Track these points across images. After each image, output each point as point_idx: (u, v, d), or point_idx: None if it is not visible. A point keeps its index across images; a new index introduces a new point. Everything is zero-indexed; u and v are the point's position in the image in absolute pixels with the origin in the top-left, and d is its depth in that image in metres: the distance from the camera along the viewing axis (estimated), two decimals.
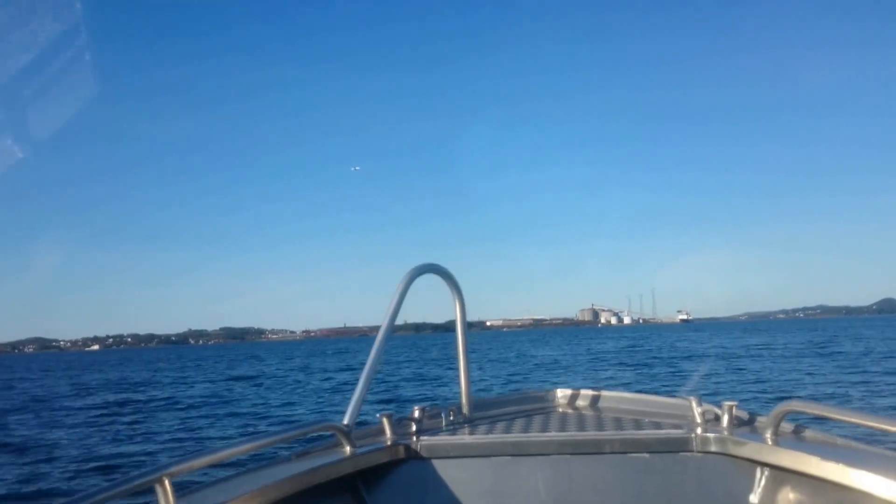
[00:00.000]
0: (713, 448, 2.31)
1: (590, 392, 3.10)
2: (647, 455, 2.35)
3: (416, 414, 2.63)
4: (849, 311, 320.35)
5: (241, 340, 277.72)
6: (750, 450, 2.21)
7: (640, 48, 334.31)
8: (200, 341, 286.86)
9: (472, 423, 2.75)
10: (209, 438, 12.84)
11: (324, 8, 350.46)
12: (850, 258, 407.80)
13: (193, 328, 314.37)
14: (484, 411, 2.92)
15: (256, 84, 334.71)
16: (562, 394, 3.16)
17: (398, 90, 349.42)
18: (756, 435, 2.28)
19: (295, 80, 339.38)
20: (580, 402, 3.08)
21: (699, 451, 2.33)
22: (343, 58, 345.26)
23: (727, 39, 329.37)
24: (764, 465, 2.20)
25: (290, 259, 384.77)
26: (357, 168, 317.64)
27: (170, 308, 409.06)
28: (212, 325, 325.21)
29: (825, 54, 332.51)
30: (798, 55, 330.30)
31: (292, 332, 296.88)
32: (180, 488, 1.80)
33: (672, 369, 25.25)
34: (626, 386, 18.20)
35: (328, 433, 2.36)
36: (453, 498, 2.39)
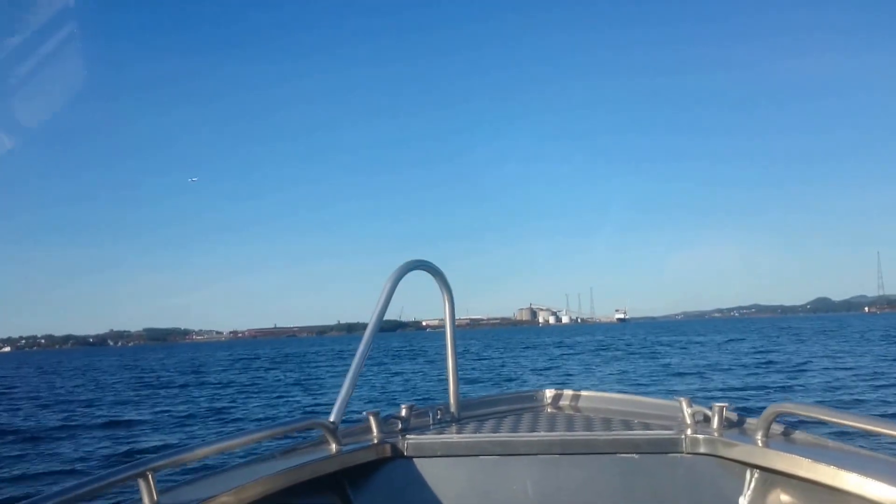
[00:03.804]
0: (703, 449, 2.28)
1: (579, 392, 3.05)
2: (636, 456, 2.32)
3: (404, 412, 2.60)
4: (783, 310, 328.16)
5: (163, 342, 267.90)
6: (740, 451, 2.19)
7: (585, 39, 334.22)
8: (120, 343, 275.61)
9: (459, 422, 2.73)
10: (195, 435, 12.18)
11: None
12: (784, 258, 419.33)
13: (115, 329, 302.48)
14: (472, 411, 2.87)
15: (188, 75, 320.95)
16: (550, 394, 3.10)
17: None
18: (746, 437, 2.25)
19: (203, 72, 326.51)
20: (569, 403, 3.04)
21: (689, 453, 2.30)
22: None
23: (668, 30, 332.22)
24: (754, 466, 2.18)
25: (219, 257, 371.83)
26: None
27: (90, 308, 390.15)
28: (134, 325, 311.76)
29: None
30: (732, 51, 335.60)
31: (219, 332, 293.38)
32: (164, 483, 1.80)
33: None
34: None
35: (314, 430, 2.34)
36: (440, 497, 2.38)
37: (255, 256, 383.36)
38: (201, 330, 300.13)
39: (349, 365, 2.43)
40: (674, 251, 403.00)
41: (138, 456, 9.33)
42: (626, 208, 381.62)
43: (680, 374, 20.59)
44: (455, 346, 2.85)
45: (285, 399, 18.83)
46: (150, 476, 1.69)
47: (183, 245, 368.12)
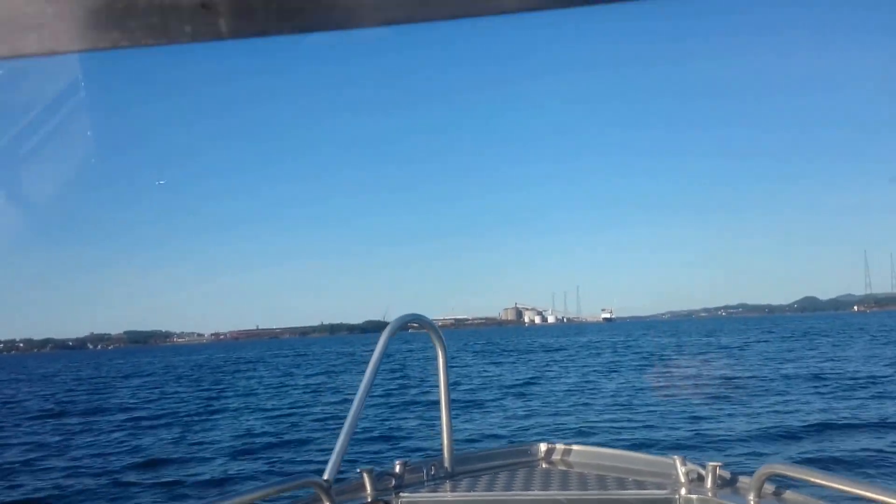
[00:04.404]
0: None
1: (573, 447, 3.05)
2: None
3: (397, 469, 2.60)
4: (771, 309, 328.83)
5: (144, 344, 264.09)
6: None
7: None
8: (100, 346, 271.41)
9: (453, 478, 2.70)
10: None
11: None
12: (771, 257, 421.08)
13: (96, 332, 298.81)
14: (466, 465, 2.86)
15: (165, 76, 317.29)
16: (545, 448, 3.09)
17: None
18: (739, 497, 2.28)
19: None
20: (563, 458, 3.03)
21: None
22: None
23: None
24: None
25: (201, 258, 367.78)
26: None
27: (71, 310, 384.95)
28: (115, 328, 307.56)
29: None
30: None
31: (200, 334, 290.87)
32: None
33: None
34: None
35: (308, 489, 2.33)
36: None
37: (238, 257, 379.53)
38: (183, 332, 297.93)
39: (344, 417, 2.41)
40: (660, 249, 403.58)
41: None
42: (613, 206, 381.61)
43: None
44: (449, 399, 2.83)
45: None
46: None
47: (165, 246, 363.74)
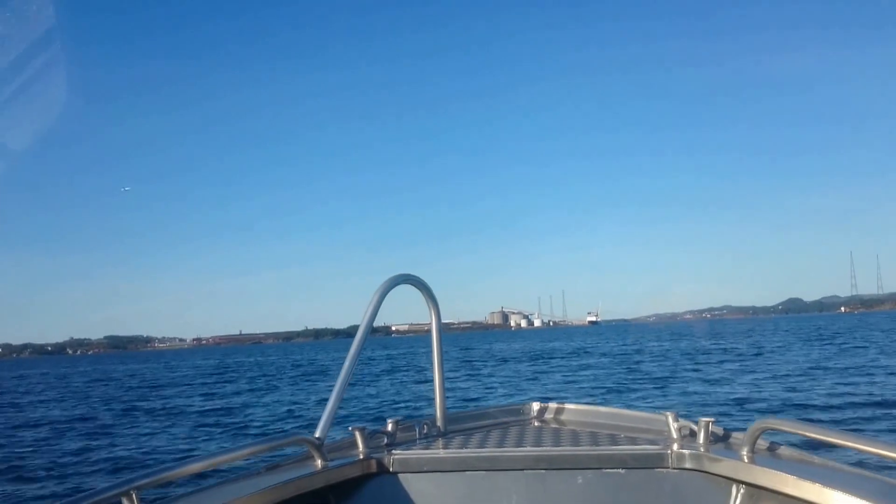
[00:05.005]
0: (689, 465, 2.27)
1: (566, 406, 3.03)
2: (622, 471, 2.31)
3: (390, 427, 2.59)
4: (755, 310, 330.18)
5: (124, 350, 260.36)
6: (725, 467, 2.17)
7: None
8: (79, 351, 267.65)
9: (446, 436, 2.70)
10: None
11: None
12: (755, 259, 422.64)
13: (76, 337, 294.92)
14: (458, 424, 2.86)
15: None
16: (537, 407, 3.08)
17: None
18: (732, 452, 2.23)
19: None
20: (556, 416, 3.02)
21: (675, 468, 2.29)
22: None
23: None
24: (739, 482, 2.17)
25: (183, 263, 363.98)
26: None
27: (51, 315, 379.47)
28: (96, 333, 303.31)
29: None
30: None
31: (182, 339, 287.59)
32: (148, 503, 1.77)
33: None
34: None
35: (300, 446, 2.33)
36: None
37: (220, 262, 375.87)
38: (164, 337, 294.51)
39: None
40: (645, 252, 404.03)
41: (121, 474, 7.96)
42: (597, 209, 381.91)
43: None
44: (442, 360, 2.83)
45: None
46: (133, 495, 1.69)
47: (146, 251, 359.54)
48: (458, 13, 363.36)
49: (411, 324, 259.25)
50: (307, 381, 28.53)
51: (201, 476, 2.39)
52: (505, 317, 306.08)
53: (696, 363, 24.94)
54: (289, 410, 16.92)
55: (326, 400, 2.40)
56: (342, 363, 2.48)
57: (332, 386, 2.44)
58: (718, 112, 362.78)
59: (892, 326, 55.24)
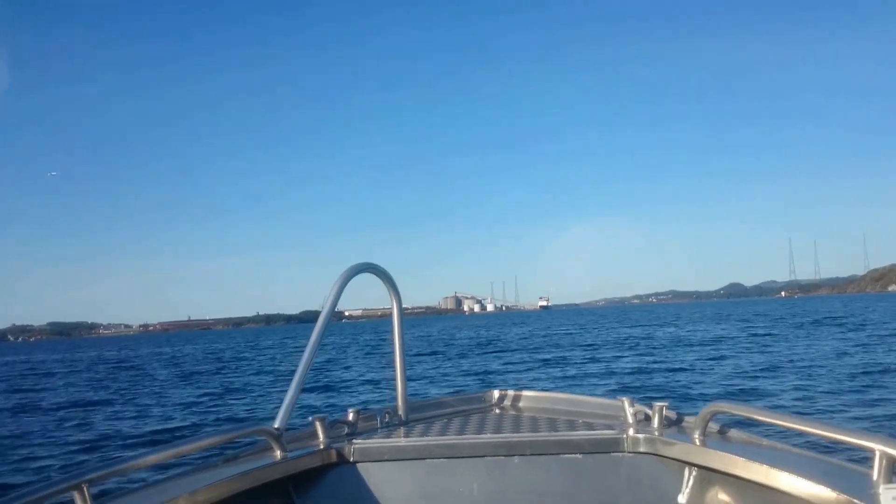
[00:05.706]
0: (643, 448, 2.33)
1: (525, 393, 3.09)
2: (579, 456, 2.36)
3: (350, 417, 2.59)
4: (698, 295, 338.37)
5: (68, 336, 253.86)
6: (678, 450, 2.24)
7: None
8: (21, 338, 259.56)
9: (407, 425, 2.72)
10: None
11: None
12: (698, 245, 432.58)
13: (18, 323, 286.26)
14: (420, 413, 2.88)
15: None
16: (498, 395, 3.14)
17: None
18: (685, 435, 2.31)
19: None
20: (516, 403, 3.08)
21: (630, 452, 2.35)
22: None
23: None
24: (692, 465, 2.23)
25: (129, 248, 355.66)
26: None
27: None
28: (38, 319, 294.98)
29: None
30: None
31: (128, 326, 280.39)
32: (101, 496, 1.73)
33: None
34: None
35: (259, 437, 2.32)
36: (386, 502, 2.38)
37: (168, 247, 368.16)
38: (109, 324, 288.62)
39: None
40: (595, 240, 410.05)
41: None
42: (548, 197, 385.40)
43: None
44: (403, 349, 2.83)
45: None
46: (85, 489, 1.64)
47: (91, 235, 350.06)
48: None
49: (364, 309, 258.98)
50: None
51: (156, 468, 2.32)
52: (458, 302, 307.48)
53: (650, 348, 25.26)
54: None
55: (285, 390, 2.38)
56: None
57: (292, 375, 2.42)
58: (661, 106, 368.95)
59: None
